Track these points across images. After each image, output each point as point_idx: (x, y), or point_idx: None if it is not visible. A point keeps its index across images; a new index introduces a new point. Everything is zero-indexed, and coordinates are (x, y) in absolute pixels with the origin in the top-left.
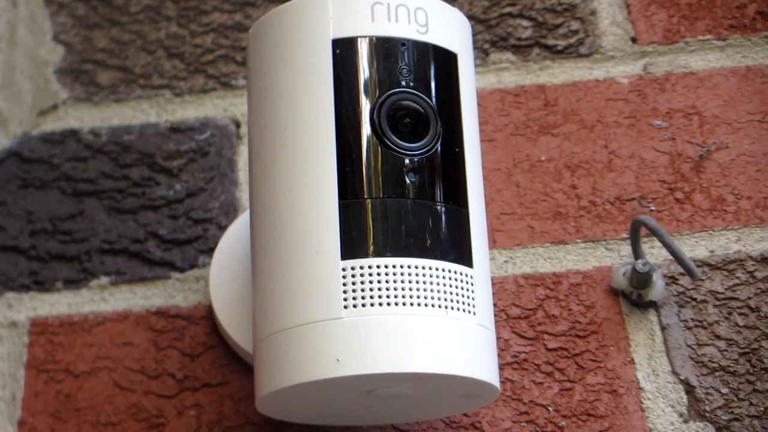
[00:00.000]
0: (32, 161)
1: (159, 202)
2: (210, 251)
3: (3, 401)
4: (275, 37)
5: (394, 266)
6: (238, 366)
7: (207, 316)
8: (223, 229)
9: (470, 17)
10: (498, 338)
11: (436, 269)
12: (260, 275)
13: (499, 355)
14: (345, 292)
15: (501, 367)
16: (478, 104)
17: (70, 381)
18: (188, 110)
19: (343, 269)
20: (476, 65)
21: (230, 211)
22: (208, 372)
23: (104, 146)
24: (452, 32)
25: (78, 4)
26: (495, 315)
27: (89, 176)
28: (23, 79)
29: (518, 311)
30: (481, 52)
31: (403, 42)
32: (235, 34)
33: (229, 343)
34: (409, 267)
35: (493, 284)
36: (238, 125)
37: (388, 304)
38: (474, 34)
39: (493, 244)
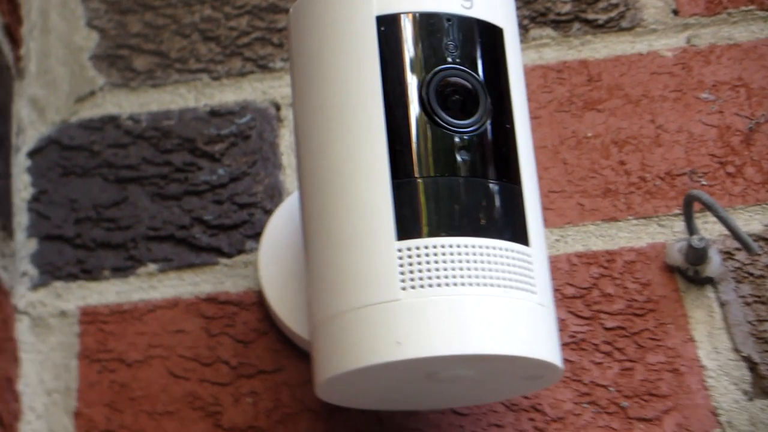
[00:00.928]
0: (72, 148)
1: (202, 187)
2: (256, 236)
3: (57, 392)
4: (317, 16)
5: (450, 246)
6: (293, 352)
7: (258, 302)
8: (268, 213)
9: None
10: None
11: (493, 248)
12: (314, 259)
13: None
14: (402, 273)
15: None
16: None
17: (124, 370)
18: (227, 94)
19: (399, 250)
20: None
21: (275, 195)
22: (263, 359)
23: (144, 132)
24: (497, 7)
25: None
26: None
27: (131, 162)
28: (58, 66)
29: (573, 290)
30: (521, 28)
31: (448, 17)
32: (271, 15)
33: (282, 329)
34: (465, 246)
35: None
36: (278, 108)
37: (447, 285)
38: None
39: (544, 223)
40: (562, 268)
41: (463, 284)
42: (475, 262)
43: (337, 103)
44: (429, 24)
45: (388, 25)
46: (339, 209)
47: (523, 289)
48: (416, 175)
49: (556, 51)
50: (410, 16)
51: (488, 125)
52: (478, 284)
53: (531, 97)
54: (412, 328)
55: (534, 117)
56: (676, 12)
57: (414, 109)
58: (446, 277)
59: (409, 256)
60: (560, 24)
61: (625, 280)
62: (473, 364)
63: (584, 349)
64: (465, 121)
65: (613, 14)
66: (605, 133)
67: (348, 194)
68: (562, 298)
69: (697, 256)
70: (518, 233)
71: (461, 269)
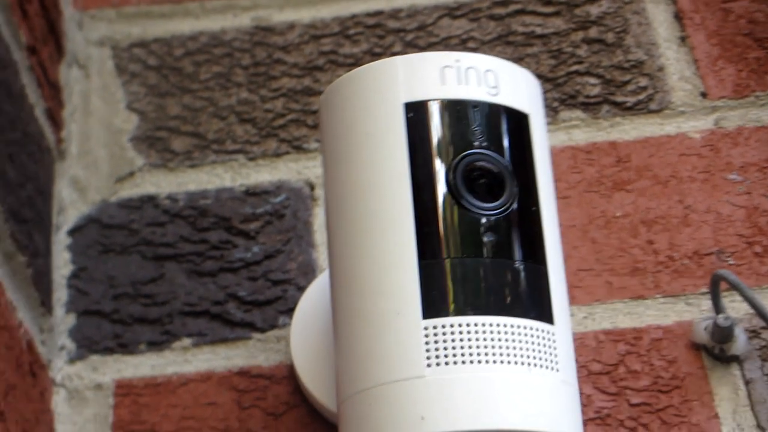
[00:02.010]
0: (112, 227)
1: (237, 264)
2: (289, 312)
3: None
4: (347, 101)
5: (475, 324)
6: (322, 425)
7: (289, 375)
8: (301, 289)
9: (538, 76)
10: (581, 394)
11: (518, 326)
12: (342, 335)
13: (582, 413)
14: (428, 350)
15: (585, 423)
16: None
17: None
18: (262, 174)
19: (425, 328)
20: (547, 123)
21: (308, 272)
22: (293, 431)
23: (182, 211)
24: (522, 93)
25: (150, 73)
26: (576, 371)
27: (168, 240)
28: (98, 148)
29: (599, 367)
30: (551, 110)
31: (474, 104)
32: (305, 98)
33: (312, 402)
34: (490, 325)
35: (574, 340)
36: (312, 187)
37: (471, 362)
38: (543, 92)
39: (571, 300)
40: (589, 345)
41: (487, 362)
42: (500, 340)
43: (366, 186)
44: (456, 110)
45: (415, 111)
46: (367, 288)
47: (547, 366)
48: (443, 255)
49: (585, 132)
50: (438, 102)
51: (514, 207)
52: (502, 362)
53: (560, 177)
54: (437, 404)
55: (563, 197)
56: (704, 95)
57: (441, 192)
58: (471, 354)
59: (435, 334)
60: (589, 106)
61: (652, 357)
62: None
63: (609, 424)
64: (491, 204)
65: (641, 97)
66: (634, 212)
67: (376, 274)
68: (588, 374)
69: (723, 334)
70: (543, 312)
71: (486, 347)
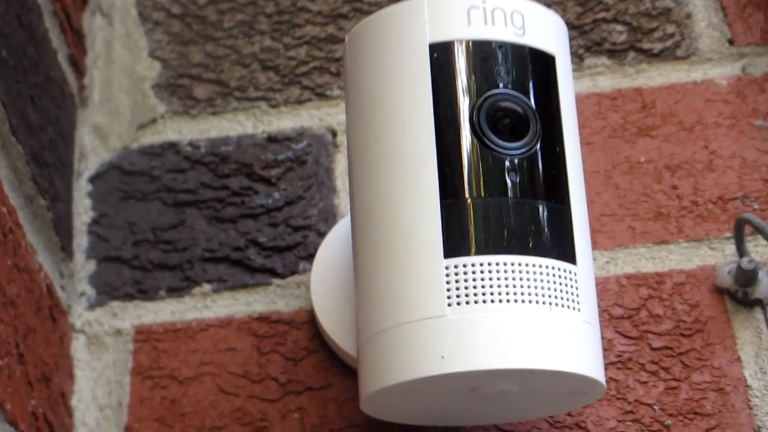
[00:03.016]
0: (133, 173)
1: (258, 210)
2: (310, 258)
3: (109, 408)
4: (372, 43)
5: (497, 264)
6: (341, 369)
7: (308, 321)
8: (322, 235)
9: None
10: (602, 338)
11: (539, 266)
12: (363, 276)
13: (603, 355)
14: (449, 290)
15: (606, 367)
16: None
17: (175, 387)
18: (284, 121)
19: (446, 267)
20: (572, 70)
21: (329, 218)
22: (311, 376)
23: (203, 157)
24: (549, 34)
25: (173, 21)
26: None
27: (189, 187)
28: (121, 95)
29: (621, 311)
30: (576, 57)
31: (500, 44)
32: (329, 46)
33: (331, 346)
34: (512, 264)
35: (596, 285)
36: (334, 134)
37: (492, 302)
38: (569, 40)
39: (594, 245)
40: (611, 290)
41: (508, 301)
42: (521, 279)
43: (389, 127)
44: (481, 51)
45: (440, 52)
46: (389, 228)
47: (568, 306)
48: (465, 195)
49: (610, 79)
50: (463, 43)
51: (538, 148)
52: (523, 301)
53: (585, 123)
54: (457, 343)
55: (587, 143)
56: (731, 42)
57: (464, 132)
58: (492, 294)
59: (456, 274)
60: (615, 53)
61: (674, 301)
62: (516, 379)
63: (630, 368)
64: (515, 144)
65: (668, 43)
66: (658, 158)
67: (398, 213)
68: (610, 319)
69: (746, 278)
70: (565, 252)
71: (506, 286)
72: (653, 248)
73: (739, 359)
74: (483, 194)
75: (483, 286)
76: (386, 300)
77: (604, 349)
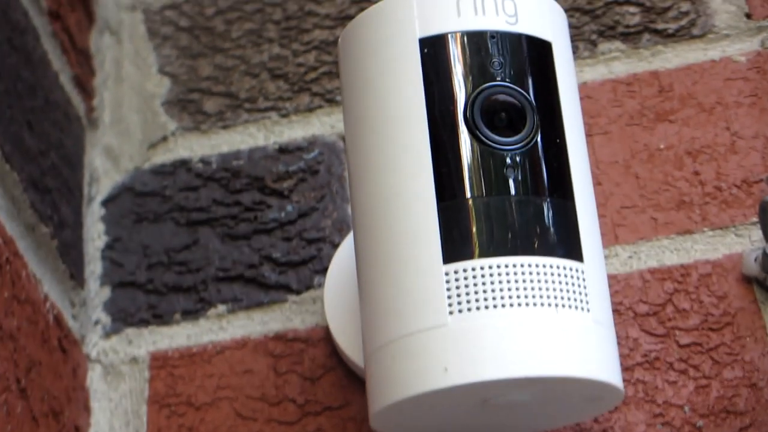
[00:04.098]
0: (145, 194)
1: (271, 225)
2: (324, 271)
3: None
4: (363, 41)
5: (498, 266)
6: (359, 387)
7: (325, 337)
8: (336, 247)
9: (575, 9)
10: (626, 337)
11: (543, 266)
12: (364, 288)
13: (628, 355)
14: (449, 297)
15: (631, 368)
16: (590, 97)
17: (192, 414)
18: (295, 130)
19: (446, 273)
20: (585, 57)
21: (343, 228)
22: (329, 395)
23: (214, 174)
24: (544, 21)
25: (181, 35)
26: (621, 313)
27: (201, 205)
28: (131, 114)
29: (646, 308)
30: (589, 44)
31: (492, 34)
32: (337, 49)
33: (348, 363)
34: (513, 266)
35: (618, 281)
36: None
37: (495, 307)
38: (580, 26)
39: (615, 239)
40: (634, 286)
41: (511, 305)
42: (524, 281)
43: (381, 128)
44: (473, 42)
45: (431, 47)
46: (385, 235)
47: (577, 306)
48: (463, 195)
49: (626, 64)
50: (454, 35)
51: (537, 141)
52: (527, 304)
53: (600, 112)
54: (460, 353)
55: (604, 132)
56: (749, 15)
57: (459, 128)
58: (494, 298)
59: (456, 279)
60: (629, 36)
61: (701, 294)
62: (525, 388)
63: (657, 368)
64: (511, 138)
65: (683, 22)
66: (678, 144)
67: (393, 219)
68: (634, 317)
69: None
70: (571, 249)
71: (509, 289)
72: (677, 239)
73: None
74: (481, 193)
75: (485, 291)
76: (387, 311)
77: (630, 349)
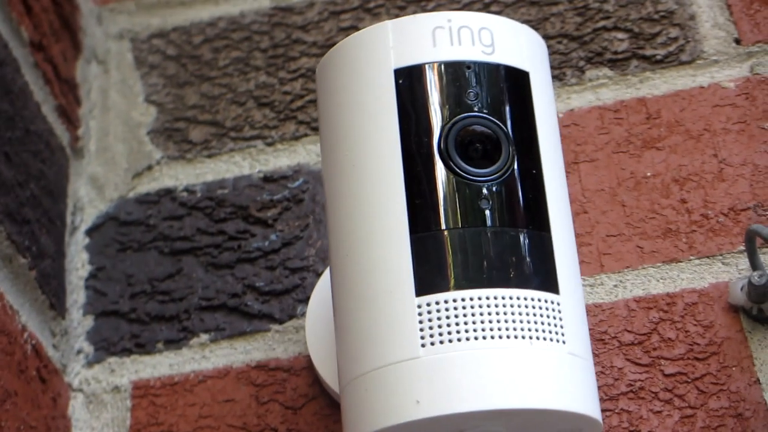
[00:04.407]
0: (129, 224)
1: (255, 254)
2: (307, 300)
3: None
4: (338, 71)
5: (471, 299)
6: (341, 416)
7: (308, 366)
8: (319, 276)
9: (563, 35)
10: (611, 367)
11: (517, 298)
12: (339, 319)
13: (612, 385)
14: (422, 329)
15: (616, 398)
16: (577, 124)
17: None
18: (281, 159)
19: (419, 306)
20: (572, 84)
21: (326, 257)
22: (311, 424)
23: (199, 203)
24: (522, 50)
25: (168, 64)
26: (606, 343)
27: (185, 234)
28: (117, 144)
29: (631, 337)
30: (577, 70)
31: (468, 65)
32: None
33: (329, 392)
34: (486, 298)
35: (603, 310)
36: None
37: (467, 339)
38: (568, 52)
39: (600, 268)
40: (619, 315)
41: (484, 338)
42: (497, 314)
43: (356, 159)
44: (448, 73)
45: (406, 77)
46: (359, 267)
47: (551, 339)
48: (435, 227)
49: (613, 91)
50: (429, 66)
51: (513, 172)
52: (500, 336)
53: (587, 139)
54: (432, 386)
55: (590, 160)
56: (738, 41)
57: (434, 160)
58: (467, 331)
59: (429, 312)
60: (617, 62)
61: (687, 323)
62: (499, 420)
63: (642, 398)
64: (486, 170)
65: (672, 48)
66: (665, 171)
67: (367, 251)
68: (620, 346)
69: (758, 293)
70: (547, 281)
71: (482, 322)
72: (663, 268)
73: (757, 381)
74: (454, 225)
75: (458, 324)
76: (361, 343)
77: (615, 379)
